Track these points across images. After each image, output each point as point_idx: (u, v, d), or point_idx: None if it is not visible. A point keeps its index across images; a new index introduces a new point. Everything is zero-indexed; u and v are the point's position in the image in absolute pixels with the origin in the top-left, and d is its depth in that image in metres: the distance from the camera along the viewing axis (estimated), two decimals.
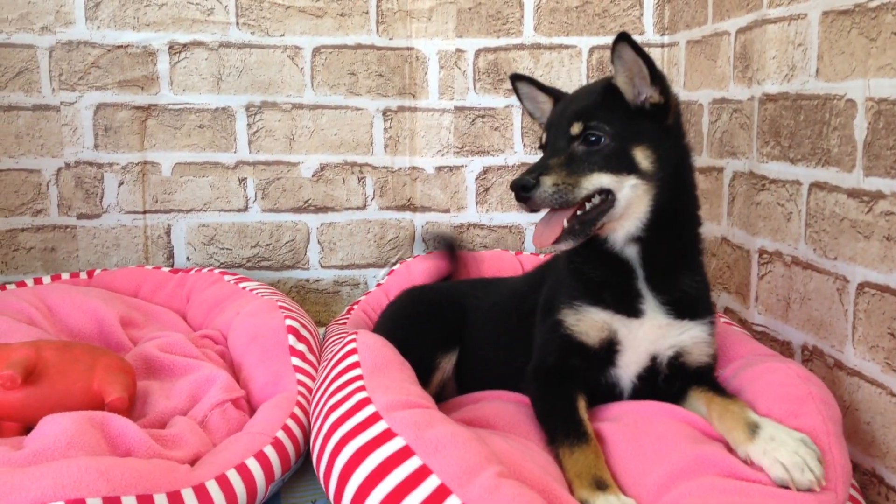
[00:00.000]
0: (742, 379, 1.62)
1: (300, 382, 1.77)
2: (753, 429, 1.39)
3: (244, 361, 1.87)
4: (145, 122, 2.58)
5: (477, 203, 2.71)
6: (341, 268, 2.72)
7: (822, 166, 1.75)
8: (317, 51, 2.60)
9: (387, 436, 1.32)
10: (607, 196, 1.50)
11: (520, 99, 1.77)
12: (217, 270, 2.45)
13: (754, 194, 2.06)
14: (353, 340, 1.64)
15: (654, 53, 2.64)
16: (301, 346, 1.88)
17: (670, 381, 1.59)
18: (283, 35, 2.58)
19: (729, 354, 1.74)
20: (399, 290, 2.29)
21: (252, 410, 1.75)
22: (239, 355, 1.90)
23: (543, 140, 1.62)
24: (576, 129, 1.51)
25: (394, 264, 2.69)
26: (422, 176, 2.70)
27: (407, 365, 1.61)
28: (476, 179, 2.70)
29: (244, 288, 2.27)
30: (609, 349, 1.57)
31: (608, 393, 1.62)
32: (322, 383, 1.59)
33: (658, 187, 1.52)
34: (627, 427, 1.52)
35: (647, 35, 2.64)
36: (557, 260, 1.79)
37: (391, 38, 2.62)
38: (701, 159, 2.38)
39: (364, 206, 2.69)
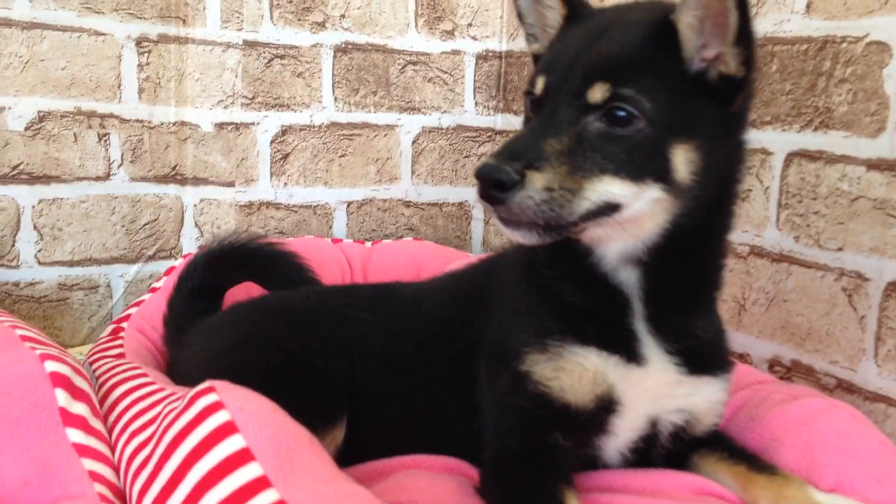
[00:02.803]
0: (772, 425, 1.21)
1: (95, 476, 1.02)
2: None
3: None
4: None
5: (272, 174, 2.04)
6: (70, 264, 1.90)
7: (816, 130, 1.37)
8: None
9: None
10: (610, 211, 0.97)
11: None
12: None
13: None
14: (220, 405, 0.92)
15: None
16: (80, 408, 1.10)
17: (669, 453, 1.14)
18: None
19: None
20: None
21: None
22: None
23: (538, 91, 1.01)
24: (598, 93, 0.95)
25: (151, 258, 1.94)
26: (195, 135, 1.97)
27: (316, 441, 0.96)
28: (271, 143, 2.04)
29: None
30: (605, 411, 1.06)
31: (583, 468, 1.13)
32: (172, 489, 0.87)
33: (685, 207, 0.99)
34: None
35: None
36: (503, 269, 1.21)
37: None
38: None
39: (107, 176, 1.91)
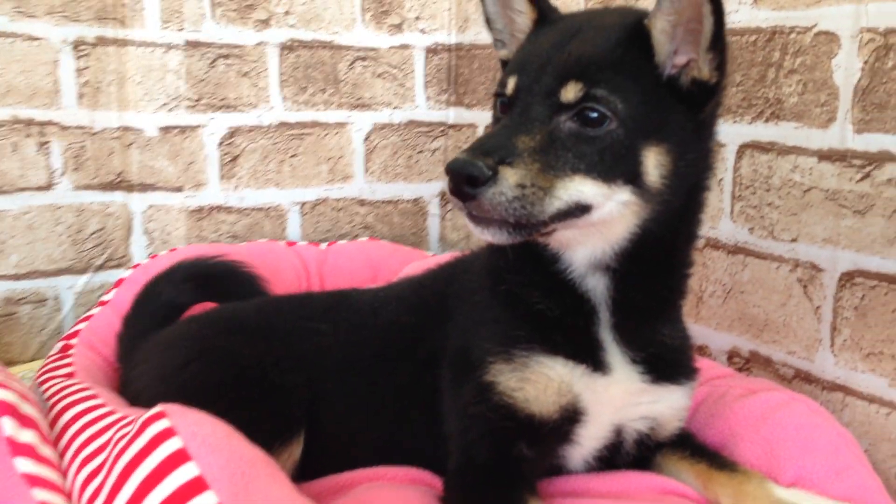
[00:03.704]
0: (731, 420, 1.22)
1: None
2: None
3: None
4: None
5: (222, 177, 1.99)
6: (16, 278, 1.83)
7: (767, 121, 1.37)
8: None
9: None
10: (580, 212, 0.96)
11: None
12: None
13: None
14: (172, 432, 0.89)
15: None
16: (28, 436, 1.06)
17: (634, 458, 1.15)
18: None
19: None
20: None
21: None
22: None
23: (509, 91, 0.99)
24: (570, 93, 0.94)
25: (100, 268, 1.89)
26: (139, 140, 1.91)
27: (272, 462, 0.93)
28: (219, 145, 1.98)
29: None
30: (570, 421, 1.05)
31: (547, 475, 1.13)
32: None
33: (654, 211, 0.99)
34: None
35: None
36: (465, 276, 1.19)
37: None
38: None
39: (49, 186, 1.85)
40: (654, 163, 0.96)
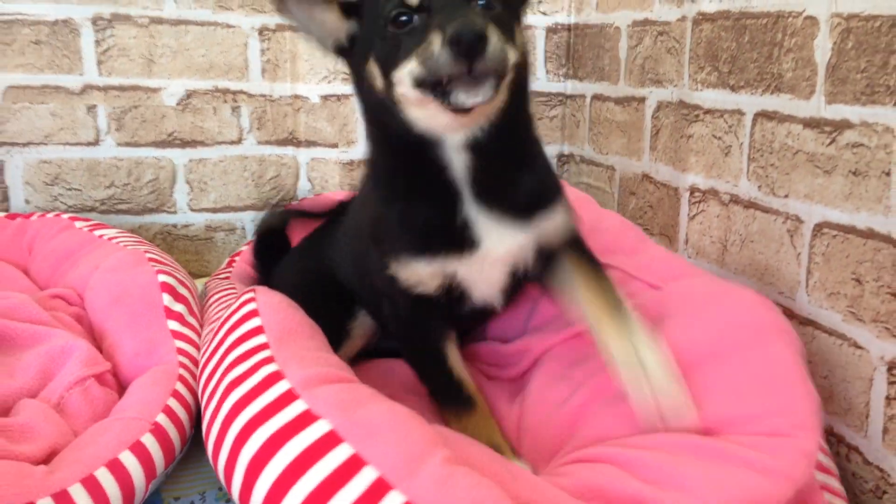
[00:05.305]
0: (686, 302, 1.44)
1: (181, 351, 1.47)
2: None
3: (107, 327, 1.55)
4: None
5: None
6: (214, 211, 2.39)
7: (772, 93, 1.58)
8: None
9: (307, 419, 1.07)
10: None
11: None
12: (66, 215, 2.07)
13: (685, 126, 1.88)
14: (252, 300, 1.35)
15: None
16: (179, 307, 1.57)
17: (539, 271, 1.38)
18: None
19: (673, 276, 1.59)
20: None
21: (121, 387, 1.45)
22: (100, 319, 1.58)
23: (415, 2, 1.11)
24: None
25: (275, 206, 2.39)
26: (306, 106, 2.39)
27: (318, 329, 1.36)
28: None
29: (101, 236, 1.92)
30: (455, 289, 1.35)
31: (480, 313, 1.47)
32: (214, 352, 1.31)
33: (517, 75, 1.20)
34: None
35: None
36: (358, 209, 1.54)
37: None
38: (618, 88, 2.19)
39: (239, 140, 2.36)
40: (518, 34, 1.20)
